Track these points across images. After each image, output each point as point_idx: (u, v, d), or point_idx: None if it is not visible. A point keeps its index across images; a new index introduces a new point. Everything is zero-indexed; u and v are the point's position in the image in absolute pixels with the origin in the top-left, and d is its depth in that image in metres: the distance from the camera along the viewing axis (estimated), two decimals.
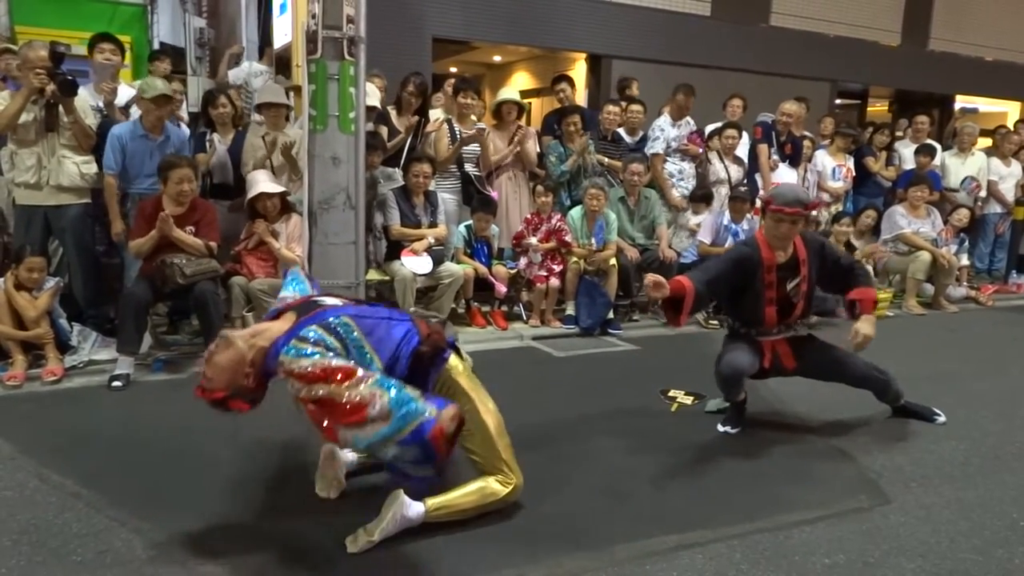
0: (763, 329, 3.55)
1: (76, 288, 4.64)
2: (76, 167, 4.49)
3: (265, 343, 2.32)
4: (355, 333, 2.35)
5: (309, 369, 2.18)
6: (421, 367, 2.48)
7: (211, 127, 5.19)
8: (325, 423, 2.18)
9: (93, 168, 4.56)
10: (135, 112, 4.93)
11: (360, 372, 2.17)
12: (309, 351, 2.22)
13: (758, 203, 6.08)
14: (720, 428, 3.61)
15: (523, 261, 5.59)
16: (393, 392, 2.12)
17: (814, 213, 6.75)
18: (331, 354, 2.23)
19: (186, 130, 5.13)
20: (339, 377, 2.14)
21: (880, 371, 3.68)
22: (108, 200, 4.55)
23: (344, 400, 2.11)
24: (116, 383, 3.96)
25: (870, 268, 6.62)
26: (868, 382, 3.67)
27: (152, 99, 4.45)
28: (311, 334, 2.28)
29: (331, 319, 2.36)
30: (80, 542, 2.45)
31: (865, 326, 3.45)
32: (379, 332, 2.41)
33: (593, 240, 5.62)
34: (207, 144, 5.06)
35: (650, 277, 3.21)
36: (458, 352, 2.73)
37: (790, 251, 3.50)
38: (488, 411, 2.64)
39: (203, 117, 5.25)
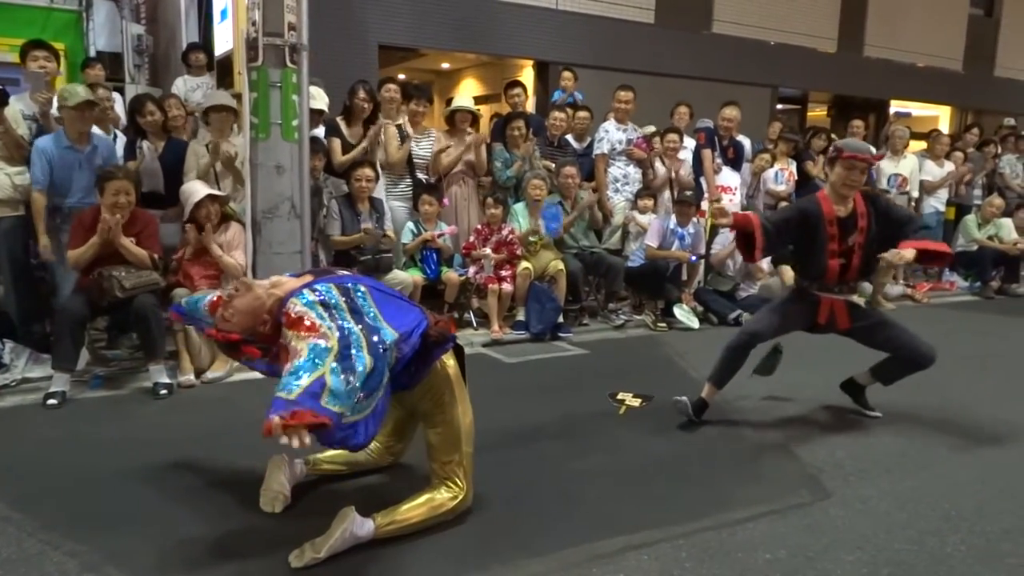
0: (824, 284, 3.71)
1: (9, 303, 4.48)
2: (8, 178, 4.35)
3: (281, 293, 2.41)
4: (367, 301, 2.40)
5: (293, 313, 2.26)
6: (426, 350, 2.56)
7: (140, 135, 5.03)
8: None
9: (26, 179, 4.40)
10: None
11: (318, 339, 2.16)
12: (310, 300, 2.29)
13: (703, 206, 6.26)
14: (679, 399, 3.71)
15: (472, 269, 5.58)
16: (326, 377, 2.08)
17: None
18: (329, 312, 2.26)
19: (121, 137, 4.97)
20: (303, 328, 2.20)
21: (927, 345, 3.78)
22: (35, 216, 4.37)
23: (292, 345, 2.20)
24: (51, 401, 3.82)
25: None
26: (914, 351, 3.77)
27: (75, 106, 4.28)
28: (323, 288, 2.36)
29: (348, 284, 2.43)
30: (10, 568, 2.35)
31: (904, 252, 3.50)
32: (392, 306, 2.48)
33: (544, 230, 5.68)
34: (136, 152, 4.92)
35: (716, 205, 3.32)
36: (457, 351, 2.76)
37: (850, 206, 3.65)
38: (466, 414, 2.70)
39: (131, 126, 5.08)
